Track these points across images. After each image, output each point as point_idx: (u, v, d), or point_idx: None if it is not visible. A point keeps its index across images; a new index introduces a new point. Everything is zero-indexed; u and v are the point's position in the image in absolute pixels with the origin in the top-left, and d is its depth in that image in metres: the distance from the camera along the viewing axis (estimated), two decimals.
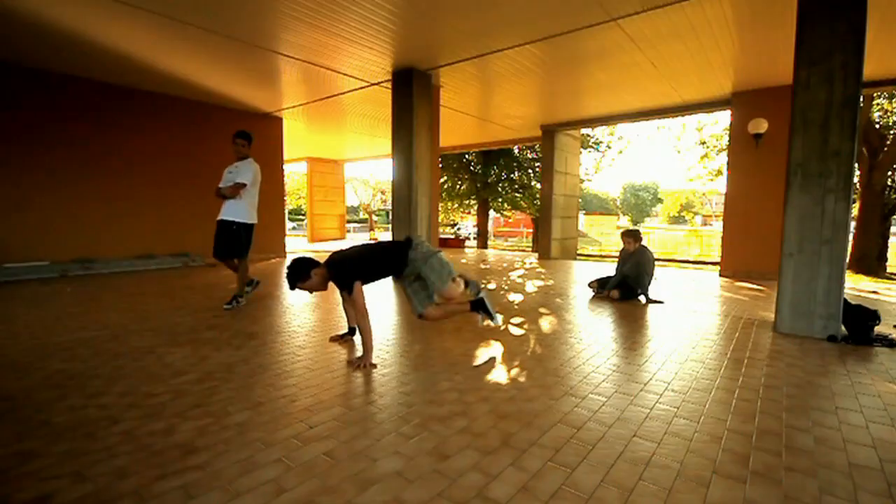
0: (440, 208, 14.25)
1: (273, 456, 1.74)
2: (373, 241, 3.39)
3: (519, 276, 7.14)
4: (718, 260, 7.94)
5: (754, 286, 6.27)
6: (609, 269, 7.23)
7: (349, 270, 2.84)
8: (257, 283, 4.86)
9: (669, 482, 1.60)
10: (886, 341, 3.37)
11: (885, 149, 9.22)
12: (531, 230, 23.01)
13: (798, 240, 3.60)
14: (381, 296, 5.19)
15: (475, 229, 19.04)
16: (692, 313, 4.42)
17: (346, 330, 3.43)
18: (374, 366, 2.79)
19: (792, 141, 3.59)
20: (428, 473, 1.64)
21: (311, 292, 2.99)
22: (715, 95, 7.24)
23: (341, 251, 3.01)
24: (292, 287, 2.85)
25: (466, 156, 15.55)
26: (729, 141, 7.36)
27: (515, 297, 5.22)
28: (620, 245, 5.54)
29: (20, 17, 4.60)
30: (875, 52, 5.22)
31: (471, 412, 2.15)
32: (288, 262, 2.97)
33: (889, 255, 9.82)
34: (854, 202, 6.38)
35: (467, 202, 17.15)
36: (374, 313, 4.27)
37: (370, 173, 36.14)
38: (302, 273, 2.84)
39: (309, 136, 11.39)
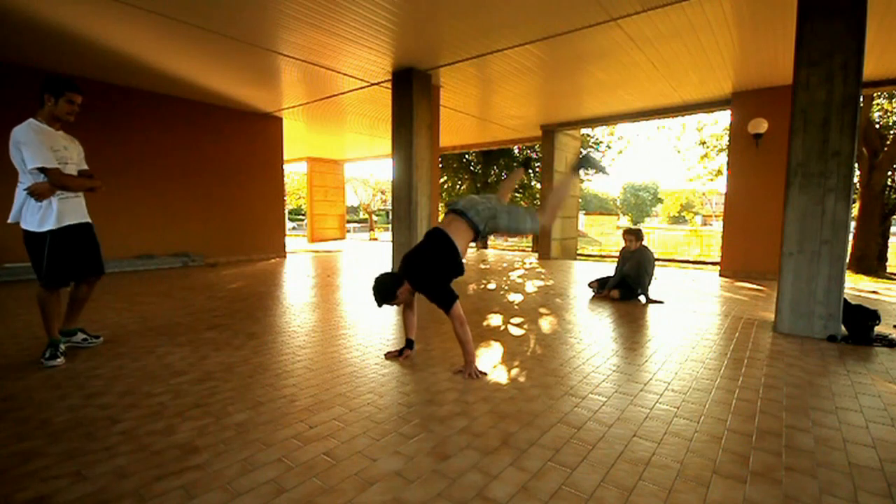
0: (440, 208, 14.26)
1: (273, 456, 1.74)
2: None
3: (519, 276, 7.13)
4: (718, 260, 7.93)
5: (754, 286, 6.27)
6: (609, 269, 7.23)
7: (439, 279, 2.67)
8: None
9: (669, 482, 1.60)
10: (886, 341, 3.37)
11: (885, 149, 9.22)
12: None
13: (798, 240, 3.60)
14: None
15: None
16: (692, 313, 4.42)
17: (403, 344, 3.07)
18: (483, 374, 2.66)
19: (792, 141, 3.59)
20: (428, 473, 1.64)
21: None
22: (715, 95, 7.24)
23: (414, 255, 2.78)
24: (380, 305, 2.75)
25: (466, 156, 15.56)
26: (729, 141, 7.36)
27: (515, 297, 5.22)
28: (620, 245, 5.54)
29: (20, 17, 4.60)
30: (875, 52, 5.22)
31: (471, 412, 2.15)
32: (372, 282, 2.74)
33: (889, 255, 9.81)
34: (854, 202, 6.37)
35: None
36: (373, 313, 4.27)
37: (370, 173, 36.21)
38: (388, 296, 2.71)
39: (309, 136, 11.38)
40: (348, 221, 21.50)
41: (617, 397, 2.34)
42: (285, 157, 10.03)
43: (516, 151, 15.20)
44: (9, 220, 2.82)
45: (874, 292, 5.99)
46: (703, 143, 13.88)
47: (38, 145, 2.67)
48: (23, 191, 2.72)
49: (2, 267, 5.95)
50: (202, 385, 2.45)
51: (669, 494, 1.53)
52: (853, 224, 8.88)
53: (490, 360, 2.93)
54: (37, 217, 2.75)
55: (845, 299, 3.51)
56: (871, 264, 9.10)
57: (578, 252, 12.45)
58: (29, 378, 2.53)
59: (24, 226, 2.77)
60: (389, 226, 26.26)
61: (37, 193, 2.68)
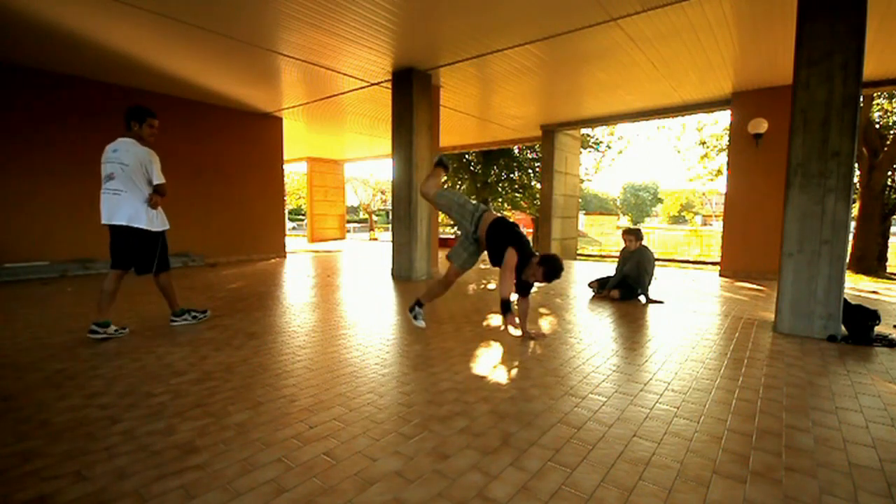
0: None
1: (273, 456, 1.74)
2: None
3: None
4: (718, 260, 7.93)
5: (754, 286, 6.27)
6: (609, 269, 7.23)
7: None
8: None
9: (669, 482, 1.60)
10: (886, 341, 3.37)
11: (885, 149, 9.22)
12: (531, 230, 23.02)
13: (798, 240, 3.60)
14: (381, 295, 5.19)
15: None
16: (692, 313, 4.42)
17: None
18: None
19: (792, 141, 3.59)
20: (428, 473, 1.64)
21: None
22: (715, 95, 7.24)
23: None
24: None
25: (466, 156, 15.55)
26: (729, 141, 7.36)
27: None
28: (620, 245, 5.54)
29: (20, 17, 4.60)
30: (875, 52, 5.22)
31: (471, 412, 2.15)
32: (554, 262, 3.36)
33: (889, 255, 9.82)
34: (854, 202, 6.37)
35: None
36: (374, 312, 4.27)
37: (370, 173, 36.19)
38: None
39: (309, 136, 11.38)
40: (348, 221, 21.50)
41: (617, 397, 2.34)
42: (285, 157, 10.03)
43: (516, 151, 15.19)
44: (110, 223, 3.30)
45: (874, 292, 5.99)
46: (703, 143, 13.89)
47: (159, 164, 3.40)
48: (141, 200, 3.33)
49: (2, 267, 5.95)
50: (202, 385, 2.45)
51: (669, 494, 1.53)
52: (853, 224, 8.88)
53: (490, 360, 2.93)
54: (157, 220, 3.44)
55: (845, 299, 3.51)
56: (871, 264, 9.11)
57: (578, 252, 12.45)
58: (29, 378, 2.53)
59: (142, 227, 3.33)
60: (389, 226, 26.26)
61: (157, 204, 3.42)
